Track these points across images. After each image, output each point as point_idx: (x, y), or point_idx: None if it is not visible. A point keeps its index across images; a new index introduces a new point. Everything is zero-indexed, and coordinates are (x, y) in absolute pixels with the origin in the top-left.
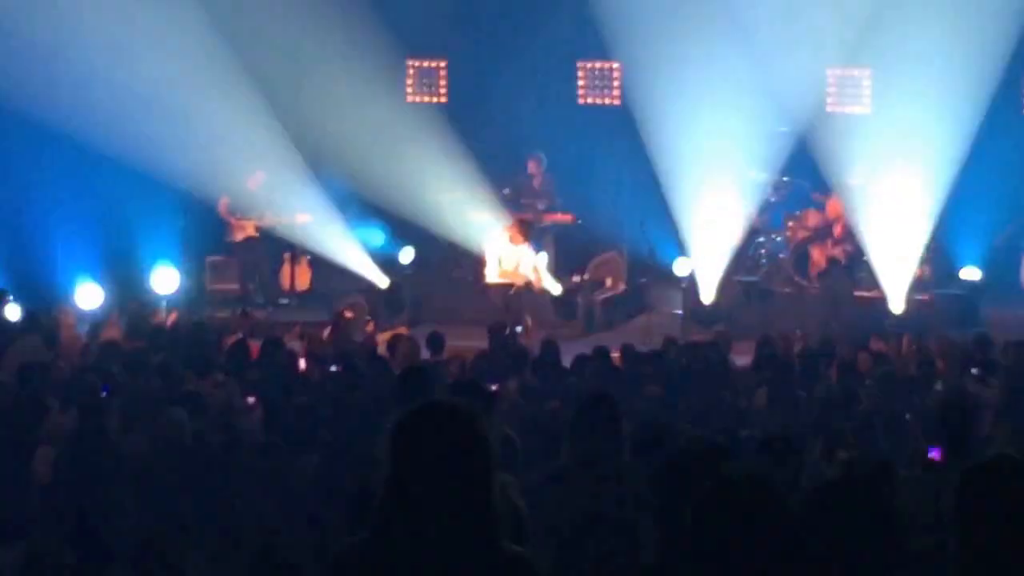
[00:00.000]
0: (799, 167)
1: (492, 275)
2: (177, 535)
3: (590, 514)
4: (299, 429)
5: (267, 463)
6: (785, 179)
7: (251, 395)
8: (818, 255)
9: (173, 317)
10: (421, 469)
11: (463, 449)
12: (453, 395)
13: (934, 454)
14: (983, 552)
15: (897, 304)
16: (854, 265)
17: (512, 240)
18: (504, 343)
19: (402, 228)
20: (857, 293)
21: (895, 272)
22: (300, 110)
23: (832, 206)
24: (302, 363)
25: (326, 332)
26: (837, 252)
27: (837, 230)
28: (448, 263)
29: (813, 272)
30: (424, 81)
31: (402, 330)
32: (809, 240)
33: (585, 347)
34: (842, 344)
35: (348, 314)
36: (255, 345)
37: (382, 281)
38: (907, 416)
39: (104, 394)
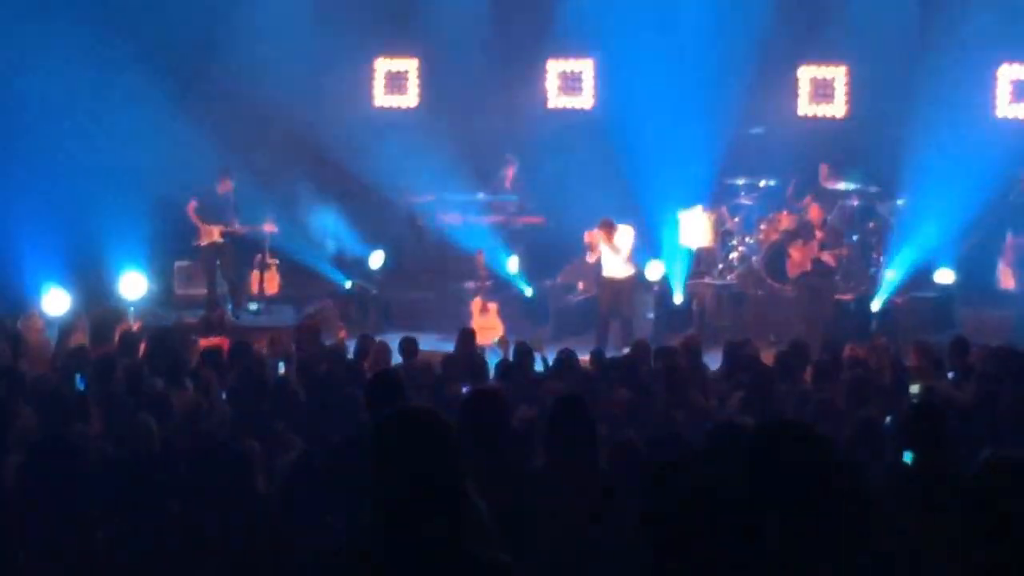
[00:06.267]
0: (773, 169)
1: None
2: (146, 542)
3: (567, 519)
4: (268, 433)
5: (236, 468)
6: (763, 182)
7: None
8: (800, 256)
9: (138, 324)
10: (396, 474)
11: (436, 454)
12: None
13: (907, 459)
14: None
15: (873, 307)
16: (837, 270)
17: (606, 240)
18: (469, 349)
19: (373, 232)
20: (836, 297)
21: (869, 275)
22: (270, 113)
23: (815, 210)
24: (281, 368)
25: (294, 337)
26: (824, 256)
27: (819, 235)
28: (418, 266)
29: (793, 273)
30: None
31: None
32: (783, 242)
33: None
34: (816, 348)
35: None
36: (224, 347)
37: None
38: (886, 420)
39: (72, 400)
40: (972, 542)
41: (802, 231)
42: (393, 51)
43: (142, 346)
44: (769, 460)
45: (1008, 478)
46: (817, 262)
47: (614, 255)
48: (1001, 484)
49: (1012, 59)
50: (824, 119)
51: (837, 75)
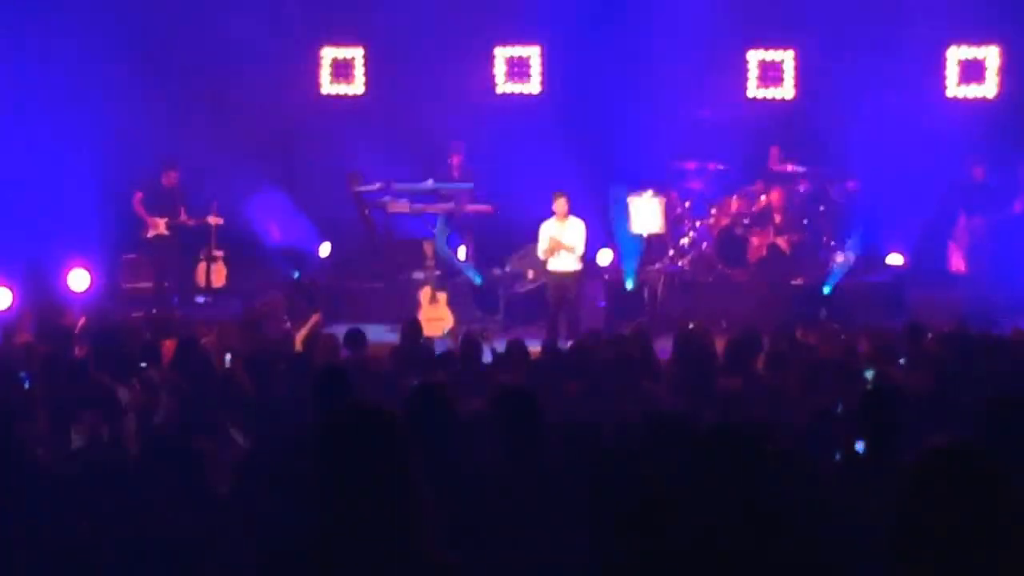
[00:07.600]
0: (722, 152)
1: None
2: (95, 541)
3: (517, 512)
4: (215, 429)
5: (187, 466)
6: (713, 166)
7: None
8: (759, 242)
9: (82, 321)
10: (343, 472)
11: (384, 451)
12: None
13: (860, 446)
14: (928, 540)
15: (824, 292)
16: (793, 255)
17: (559, 216)
18: (416, 341)
19: (321, 222)
20: (792, 282)
21: (822, 259)
22: (216, 103)
23: (777, 193)
24: (227, 359)
25: (240, 329)
26: (779, 241)
27: (778, 219)
28: (367, 256)
29: (753, 259)
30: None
31: (314, 317)
32: (742, 227)
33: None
34: (769, 334)
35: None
36: (170, 344)
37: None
38: (838, 408)
39: (17, 399)
40: (910, 530)
41: (762, 216)
42: (339, 39)
43: (88, 342)
44: (716, 457)
45: (947, 464)
46: (773, 247)
47: (562, 239)
48: (940, 470)
49: (960, 39)
50: (774, 102)
51: (786, 57)
